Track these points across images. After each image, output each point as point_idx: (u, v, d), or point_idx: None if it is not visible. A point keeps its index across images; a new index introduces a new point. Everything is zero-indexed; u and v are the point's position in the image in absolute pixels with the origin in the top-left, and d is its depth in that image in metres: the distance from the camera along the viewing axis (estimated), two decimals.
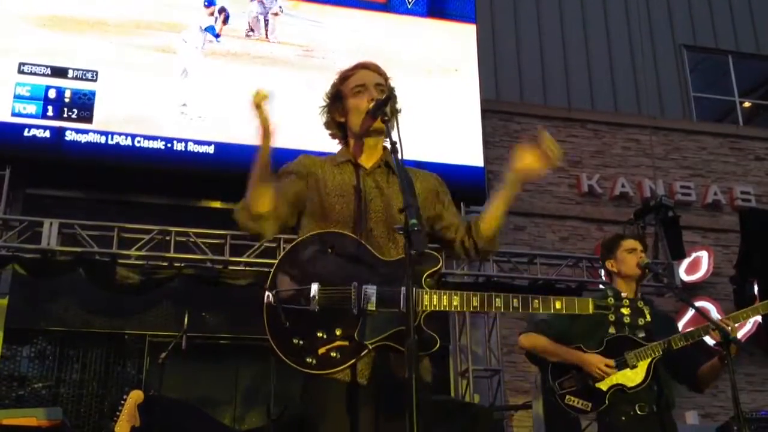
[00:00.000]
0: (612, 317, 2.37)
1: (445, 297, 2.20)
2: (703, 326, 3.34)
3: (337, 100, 2.48)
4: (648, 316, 2.37)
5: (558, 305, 2.30)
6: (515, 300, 2.26)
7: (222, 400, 7.84)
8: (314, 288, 2.15)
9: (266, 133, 2.31)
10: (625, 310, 2.37)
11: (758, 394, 9.15)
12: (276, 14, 8.45)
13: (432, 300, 2.19)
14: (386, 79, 2.47)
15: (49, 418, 5.41)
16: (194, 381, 7.76)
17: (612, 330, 3.29)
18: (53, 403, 7.20)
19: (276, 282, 2.20)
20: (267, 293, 2.18)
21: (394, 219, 2.27)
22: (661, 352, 3.30)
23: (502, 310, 2.27)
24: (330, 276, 2.18)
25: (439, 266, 2.23)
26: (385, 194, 2.35)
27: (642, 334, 3.22)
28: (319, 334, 2.13)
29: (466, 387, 8.15)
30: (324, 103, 2.52)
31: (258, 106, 2.29)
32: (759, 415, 6.15)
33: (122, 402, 4.82)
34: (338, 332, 2.14)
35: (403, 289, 2.13)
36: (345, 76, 2.48)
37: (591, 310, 2.34)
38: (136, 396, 4.81)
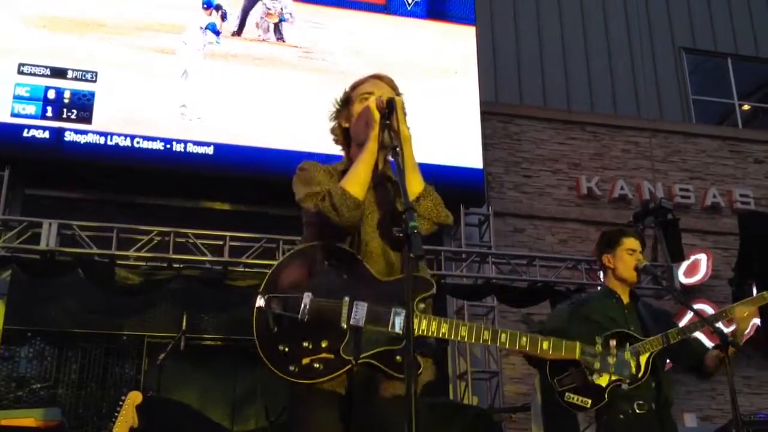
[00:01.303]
0: (597, 365, 2.37)
1: (434, 323, 2.22)
2: (698, 321, 3.32)
3: (345, 106, 2.48)
4: (633, 369, 2.36)
5: (545, 346, 2.33)
6: (503, 335, 2.29)
7: (220, 401, 7.83)
8: (306, 297, 2.15)
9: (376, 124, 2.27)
10: (611, 359, 2.37)
11: (756, 397, 9.15)
12: (271, 15, 8.45)
13: (421, 325, 2.20)
14: (398, 93, 2.46)
15: (48, 419, 5.40)
16: (192, 382, 7.75)
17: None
18: (52, 404, 7.18)
19: (269, 287, 2.20)
20: (259, 296, 2.19)
21: (390, 234, 2.27)
22: (659, 346, 3.30)
23: (489, 343, 2.28)
24: (323, 288, 2.18)
25: (431, 291, 2.24)
26: (382, 208, 2.35)
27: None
28: (305, 344, 2.13)
29: (464, 389, 8.15)
30: (334, 109, 2.52)
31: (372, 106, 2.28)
32: (757, 418, 6.16)
33: (120, 403, 4.82)
34: (324, 344, 2.13)
35: (394, 309, 2.16)
36: (356, 84, 2.49)
37: (578, 356, 2.37)
38: (134, 397, 4.80)
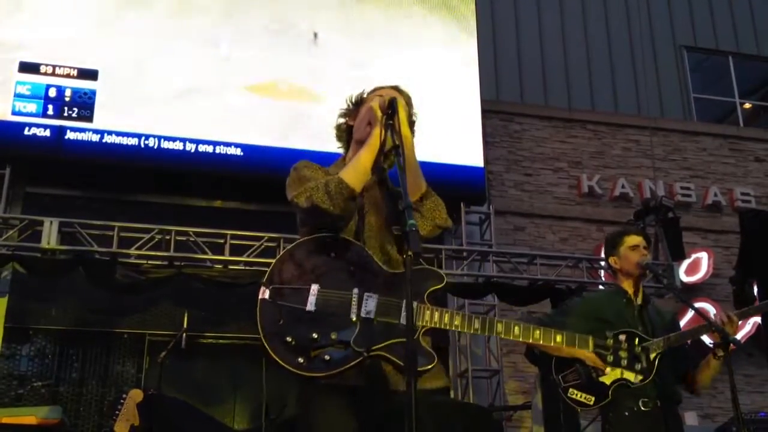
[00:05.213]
0: (610, 358, 2.39)
1: (446, 315, 2.20)
2: (701, 325, 3.32)
3: (356, 106, 2.49)
4: (644, 363, 2.39)
5: (558, 339, 2.32)
6: (516, 328, 2.27)
7: (221, 399, 7.83)
8: (314, 288, 2.12)
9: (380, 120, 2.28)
10: (623, 353, 2.39)
11: (757, 396, 9.15)
12: None
13: (433, 317, 2.18)
14: (412, 109, 2.46)
15: (49, 417, 5.42)
16: (193, 380, 7.75)
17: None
18: (53, 402, 7.19)
19: (274, 278, 2.15)
20: (263, 288, 2.12)
21: (386, 235, 2.28)
22: (662, 348, 3.29)
23: (502, 336, 2.26)
24: (332, 279, 2.15)
25: (442, 284, 2.23)
26: (379, 209, 2.34)
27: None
28: (314, 335, 2.08)
29: (465, 387, 8.15)
30: (346, 106, 2.53)
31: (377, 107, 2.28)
32: (758, 417, 6.15)
33: (121, 401, 4.84)
34: (333, 336, 2.09)
35: (404, 301, 2.11)
36: (375, 88, 2.49)
37: (591, 348, 2.38)
38: (135, 395, 4.82)
